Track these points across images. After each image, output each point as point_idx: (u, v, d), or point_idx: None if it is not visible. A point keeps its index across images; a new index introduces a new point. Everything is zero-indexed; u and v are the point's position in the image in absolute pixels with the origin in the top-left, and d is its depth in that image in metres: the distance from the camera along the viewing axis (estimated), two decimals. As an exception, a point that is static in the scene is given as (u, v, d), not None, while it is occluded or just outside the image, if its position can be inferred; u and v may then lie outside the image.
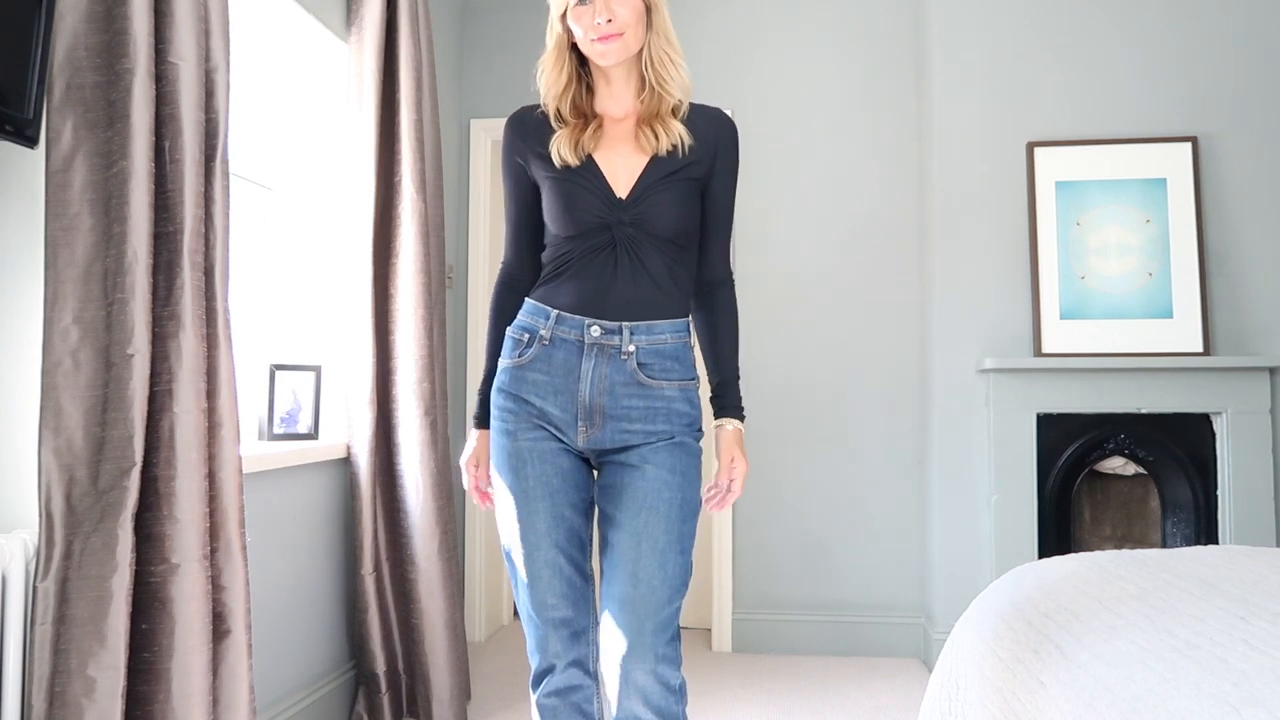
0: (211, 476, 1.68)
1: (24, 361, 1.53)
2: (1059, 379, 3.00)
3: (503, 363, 1.60)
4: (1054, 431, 3.01)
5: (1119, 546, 3.17)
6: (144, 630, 1.53)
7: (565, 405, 1.53)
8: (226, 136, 1.73)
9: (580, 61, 1.62)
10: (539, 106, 1.64)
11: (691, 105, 1.62)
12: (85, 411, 1.46)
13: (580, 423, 1.53)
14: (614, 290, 1.53)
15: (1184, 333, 2.99)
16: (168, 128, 1.59)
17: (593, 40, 1.52)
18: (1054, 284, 3.06)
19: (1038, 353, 3.04)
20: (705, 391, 1.68)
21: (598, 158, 1.56)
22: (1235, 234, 3.07)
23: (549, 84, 1.61)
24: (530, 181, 1.63)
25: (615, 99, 1.61)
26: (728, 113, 1.67)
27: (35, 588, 1.42)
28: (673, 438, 1.53)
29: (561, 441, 1.55)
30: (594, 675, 1.58)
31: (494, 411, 1.59)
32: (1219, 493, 2.95)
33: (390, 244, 2.61)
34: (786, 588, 3.41)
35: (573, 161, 1.55)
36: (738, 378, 1.65)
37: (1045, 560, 1.83)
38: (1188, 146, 3.06)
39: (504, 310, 1.67)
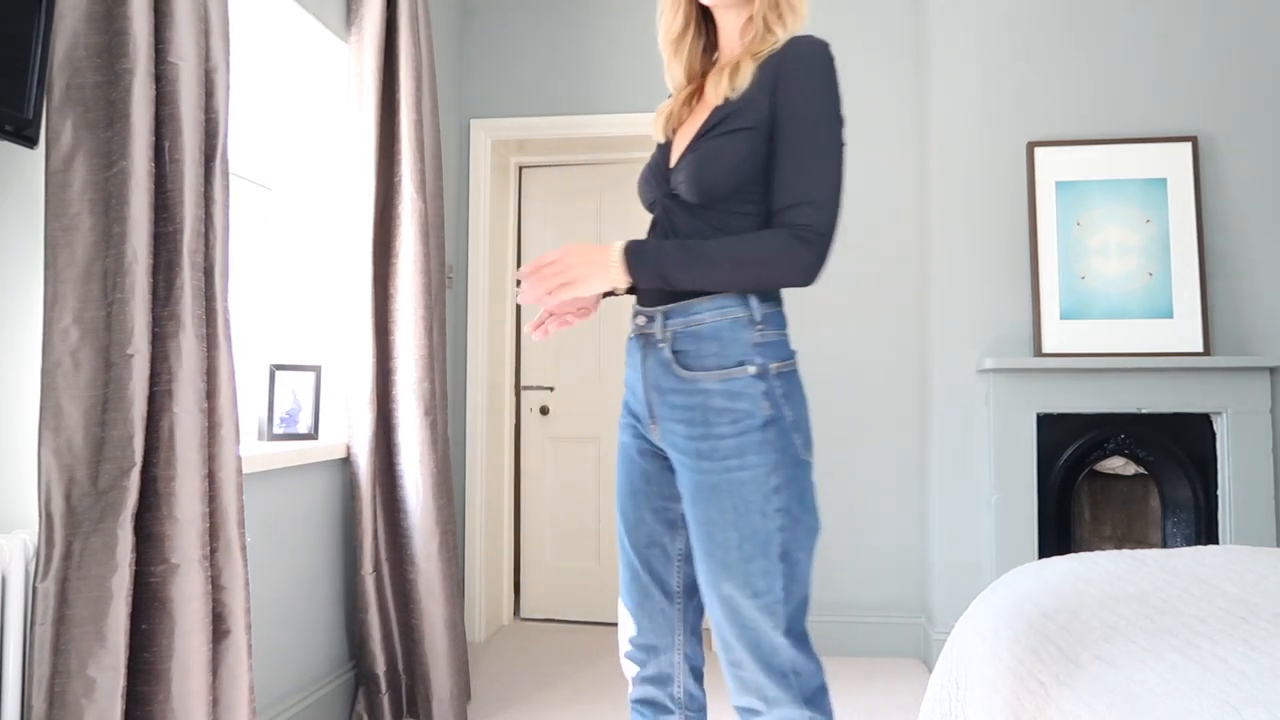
0: (211, 476, 1.68)
1: (24, 361, 1.53)
2: (1059, 379, 3.00)
3: None
4: (1054, 431, 3.01)
5: (1119, 546, 3.17)
6: (144, 630, 1.53)
7: (638, 401, 1.41)
8: (226, 136, 1.73)
9: (704, 10, 1.44)
10: None
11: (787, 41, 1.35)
12: (85, 411, 1.46)
13: (650, 421, 1.39)
14: None
15: (1184, 333, 2.98)
16: (168, 128, 1.59)
17: None
18: (1054, 284, 3.06)
19: (1038, 353, 3.04)
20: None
21: (683, 128, 1.42)
22: (1235, 234, 3.07)
23: (664, 26, 1.45)
24: None
25: (725, 49, 1.43)
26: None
27: (35, 588, 1.42)
28: (713, 447, 1.29)
29: (650, 442, 1.43)
30: (676, 700, 1.45)
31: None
32: (1219, 493, 2.95)
33: (390, 244, 2.61)
34: (786, 588, 3.41)
35: (659, 138, 1.43)
36: (659, 247, 1.31)
37: (1045, 560, 1.83)
38: (1188, 146, 3.06)
39: None
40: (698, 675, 1.47)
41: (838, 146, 1.29)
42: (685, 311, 1.33)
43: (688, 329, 1.32)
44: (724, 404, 1.29)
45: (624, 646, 1.48)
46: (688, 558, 1.44)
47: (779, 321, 1.34)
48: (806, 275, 1.27)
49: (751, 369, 1.30)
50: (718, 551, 1.28)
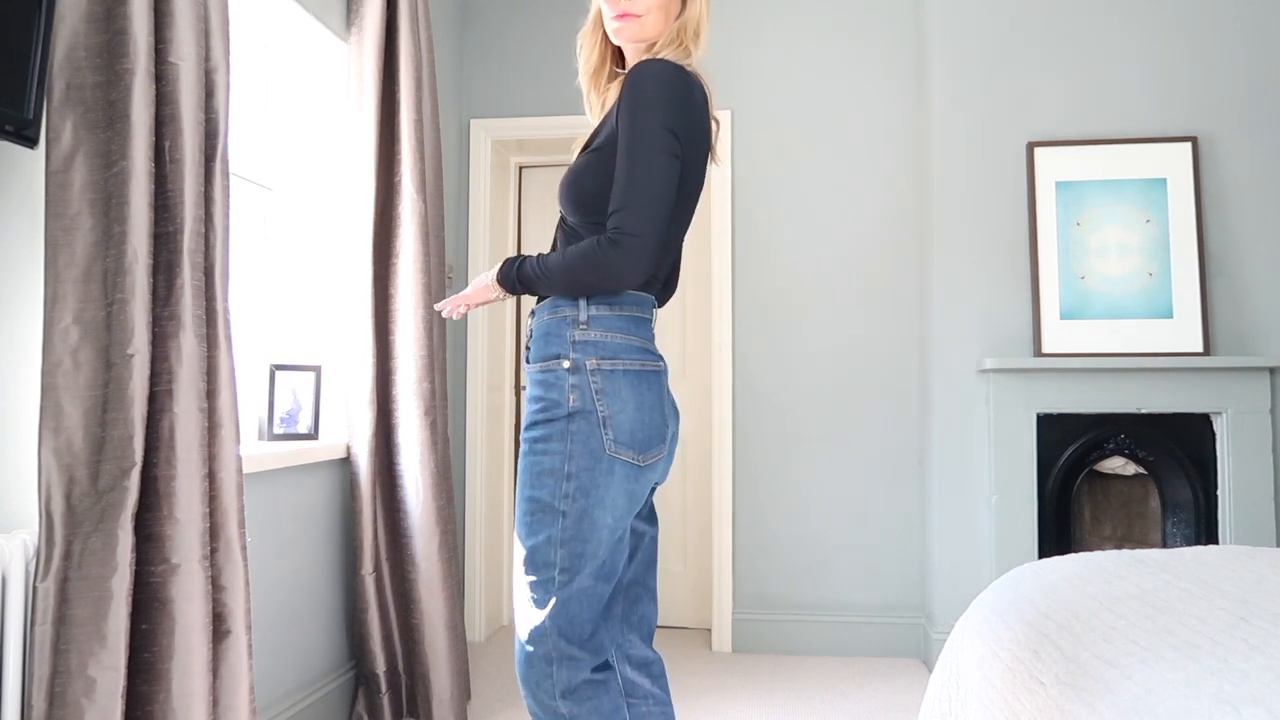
0: (211, 476, 1.68)
1: (24, 361, 1.53)
2: (1059, 379, 3.00)
3: None
4: (1054, 431, 3.01)
5: (1119, 546, 3.17)
6: (144, 630, 1.53)
7: None
8: (226, 136, 1.73)
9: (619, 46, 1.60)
10: None
11: None
12: (85, 411, 1.46)
13: None
14: None
15: (1184, 333, 2.98)
16: (168, 128, 1.59)
17: (611, 17, 1.52)
18: (1054, 284, 3.06)
19: (1038, 353, 3.04)
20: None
21: None
22: (1235, 234, 3.07)
23: (583, 60, 1.62)
24: None
25: None
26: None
27: (35, 588, 1.42)
28: (531, 431, 1.46)
29: None
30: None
31: None
32: (1219, 493, 2.95)
33: (390, 244, 2.61)
34: (786, 588, 3.41)
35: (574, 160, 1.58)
36: (522, 261, 1.50)
37: (1045, 560, 1.83)
38: (1188, 146, 3.06)
39: None
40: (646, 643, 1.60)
41: (653, 154, 1.38)
42: (539, 313, 1.51)
43: (537, 328, 1.50)
44: (540, 393, 1.44)
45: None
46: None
47: (613, 324, 1.44)
48: (616, 274, 1.38)
49: (565, 363, 1.43)
50: (519, 517, 1.44)
